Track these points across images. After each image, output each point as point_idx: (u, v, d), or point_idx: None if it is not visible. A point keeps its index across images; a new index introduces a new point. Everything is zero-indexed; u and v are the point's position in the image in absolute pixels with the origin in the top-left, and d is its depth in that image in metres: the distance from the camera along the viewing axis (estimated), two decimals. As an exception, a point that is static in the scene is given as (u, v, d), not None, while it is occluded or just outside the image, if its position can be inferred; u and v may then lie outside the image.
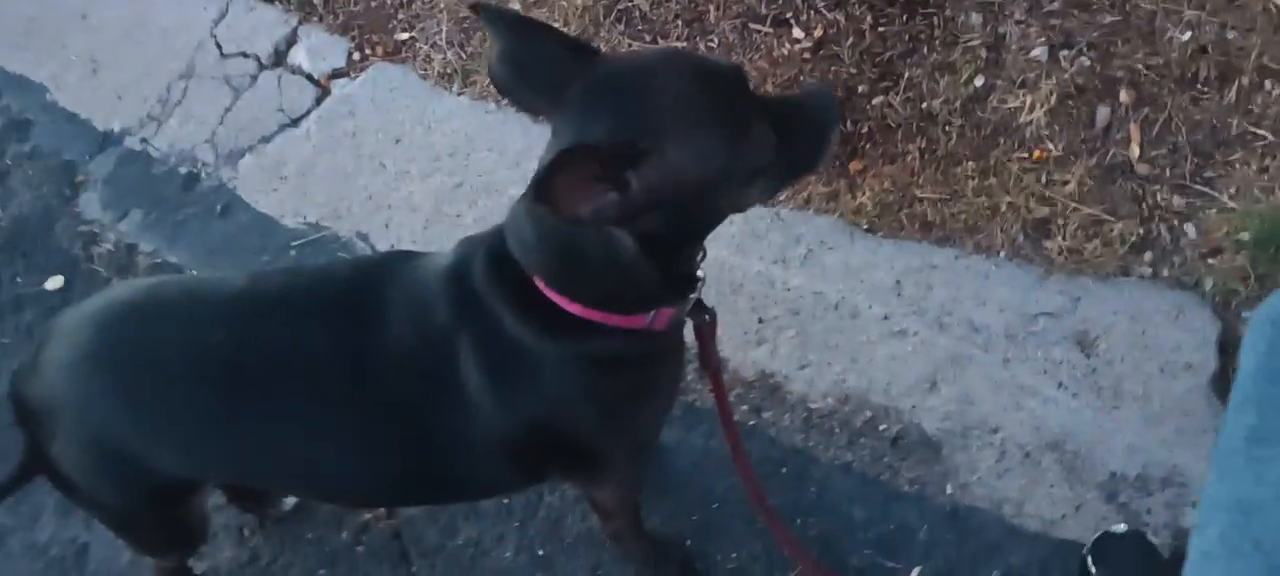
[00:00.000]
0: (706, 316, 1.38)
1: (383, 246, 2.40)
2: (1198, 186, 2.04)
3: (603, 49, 2.44)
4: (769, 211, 2.20)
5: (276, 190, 2.57)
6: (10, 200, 2.73)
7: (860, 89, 2.26)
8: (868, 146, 2.21)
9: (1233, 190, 2.01)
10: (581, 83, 1.11)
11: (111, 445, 1.40)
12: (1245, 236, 1.94)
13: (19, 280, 2.58)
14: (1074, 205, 2.06)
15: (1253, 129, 2.05)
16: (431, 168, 2.48)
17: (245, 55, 2.81)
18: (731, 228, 2.19)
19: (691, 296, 1.31)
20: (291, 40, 2.82)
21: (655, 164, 1.04)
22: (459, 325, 1.28)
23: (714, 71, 1.15)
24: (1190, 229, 2.01)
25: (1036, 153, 2.12)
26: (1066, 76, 2.16)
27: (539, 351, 1.26)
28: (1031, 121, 2.15)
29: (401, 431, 1.36)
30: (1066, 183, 2.08)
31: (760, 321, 2.11)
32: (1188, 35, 2.13)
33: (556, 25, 2.48)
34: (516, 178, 2.35)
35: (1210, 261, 1.97)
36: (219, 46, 2.85)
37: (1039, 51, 2.20)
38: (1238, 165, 2.03)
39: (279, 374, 1.35)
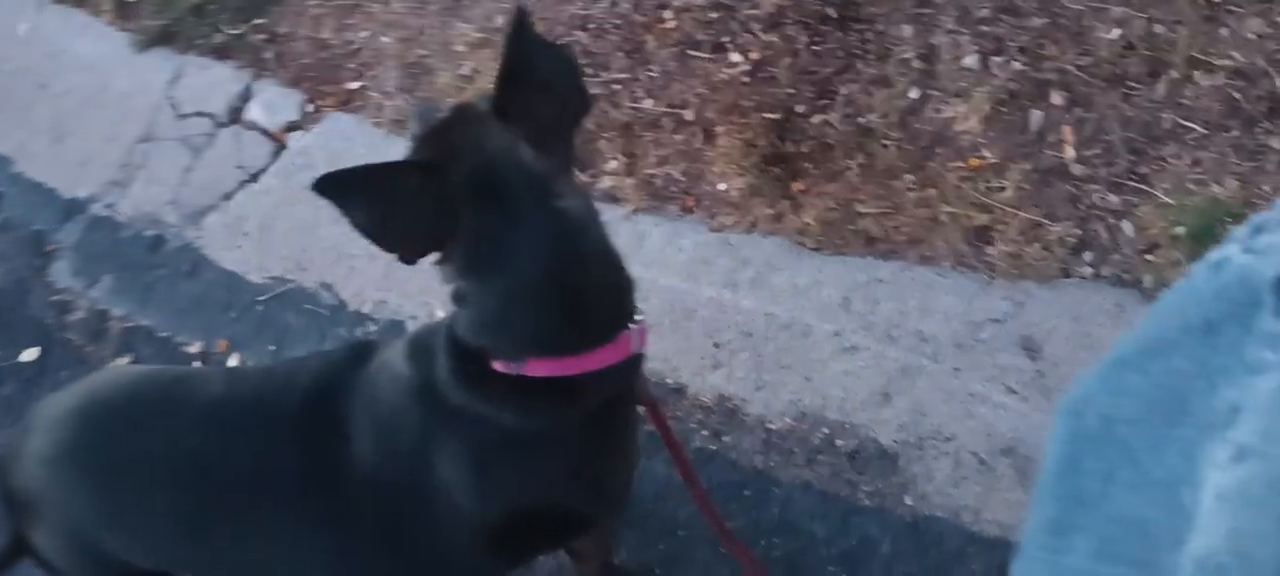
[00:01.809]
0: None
1: (348, 294, 2.43)
2: (1133, 183, 2.04)
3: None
4: (717, 237, 2.23)
5: (240, 246, 2.60)
6: (-16, 274, 2.78)
7: (799, 109, 2.28)
8: (809, 165, 2.22)
9: (1167, 185, 2.02)
10: (463, 189, 1.13)
11: (90, 539, 1.45)
12: (1181, 230, 1.95)
13: (-4, 353, 2.62)
14: (1012, 210, 2.07)
15: (1183, 122, 2.05)
16: (389, 214, 2.50)
17: (201, 115, 2.84)
18: (681, 255, 2.22)
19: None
20: (246, 96, 2.84)
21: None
22: (441, 437, 1.30)
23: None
24: (1127, 227, 2.01)
25: (973, 161, 2.13)
26: (999, 83, 2.17)
27: (541, 431, 1.28)
28: (967, 130, 2.15)
29: (379, 538, 1.39)
30: (1004, 189, 2.09)
31: (715, 346, 2.14)
32: (1116, 33, 2.14)
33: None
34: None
35: (1148, 258, 1.98)
36: (175, 108, 2.87)
37: (971, 59, 2.21)
38: (1171, 159, 2.04)
39: (253, 481, 1.39)
